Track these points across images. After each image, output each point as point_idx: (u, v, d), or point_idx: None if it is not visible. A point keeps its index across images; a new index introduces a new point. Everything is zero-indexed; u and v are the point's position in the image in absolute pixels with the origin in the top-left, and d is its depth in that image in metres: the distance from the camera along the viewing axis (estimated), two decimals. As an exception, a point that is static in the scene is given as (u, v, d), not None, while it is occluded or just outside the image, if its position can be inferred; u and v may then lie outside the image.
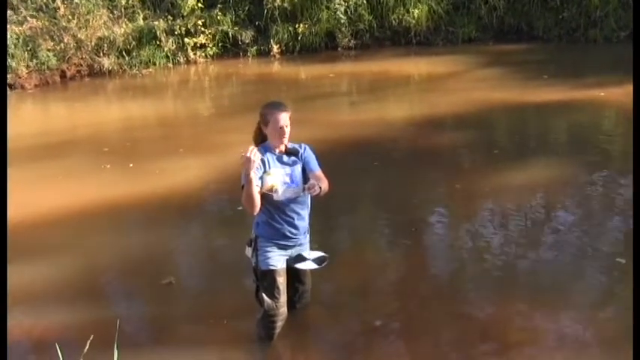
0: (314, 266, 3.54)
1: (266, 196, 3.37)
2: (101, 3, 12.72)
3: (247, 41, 13.31)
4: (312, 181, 3.32)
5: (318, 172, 3.49)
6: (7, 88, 11.26)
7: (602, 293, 4.11)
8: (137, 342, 3.78)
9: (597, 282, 4.27)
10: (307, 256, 3.55)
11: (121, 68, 12.50)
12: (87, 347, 2.60)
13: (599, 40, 12.56)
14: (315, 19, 13.23)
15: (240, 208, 3.26)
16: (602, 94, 8.59)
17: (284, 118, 3.39)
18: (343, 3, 13.06)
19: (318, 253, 3.58)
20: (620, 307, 3.81)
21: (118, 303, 4.43)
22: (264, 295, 3.46)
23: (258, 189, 3.31)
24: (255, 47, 13.35)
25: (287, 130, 3.41)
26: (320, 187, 3.29)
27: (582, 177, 5.99)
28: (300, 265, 3.54)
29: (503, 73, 10.65)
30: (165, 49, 12.85)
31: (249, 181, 3.19)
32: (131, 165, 6.96)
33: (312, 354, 3.76)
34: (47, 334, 3.81)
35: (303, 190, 3.36)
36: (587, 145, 6.97)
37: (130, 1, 13.03)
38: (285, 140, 3.44)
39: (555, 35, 12.99)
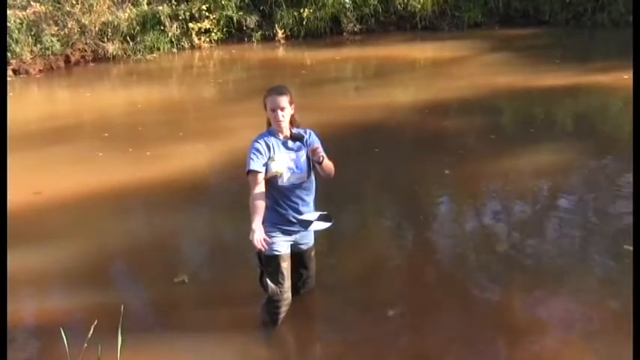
0: (326, 225, 3.41)
1: (271, 182, 3.35)
2: (105, -13, 12.68)
3: (252, 26, 13.26)
4: (317, 145, 3.31)
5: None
6: (13, 74, 11.28)
7: (609, 280, 4.08)
8: (141, 327, 3.78)
9: (605, 269, 4.24)
10: (312, 218, 3.44)
11: (125, 53, 12.47)
12: (91, 332, 2.60)
13: (606, 24, 12.44)
14: (320, 3, 13.16)
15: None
16: (626, 77, 8.39)
17: (277, 101, 3.34)
18: (348, -13, 12.99)
19: (319, 213, 3.47)
20: (628, 294, 3.79)
21: (123, 288, 4.43)
22: (268, 280, 3.45)
23: (263, 176, 3.31)
24: (259, 32, 13.30)
25: (282, 114, 3.35)
26: (323, 156, 3.27)
27: (589, 162, 5.95)
28: (312, 228, 3.44)
29: (509, 57, 10.58)
30: (170, 34, 12.81)
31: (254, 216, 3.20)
32: (130, 150, 6.96)
33: (316, 339, 3.77)
34: (52, 319, 3.82)
35: (308, 152, 3.33)
36: (593, 130, 6.93)
37: (134, -14, 12.98)
38: (284, 124, 3.39)
39: (562, 19, 12.88)
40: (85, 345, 2.58)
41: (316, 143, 3.46)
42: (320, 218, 3.44)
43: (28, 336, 3.88)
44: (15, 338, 3.73)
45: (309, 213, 3.50)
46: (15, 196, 5.33)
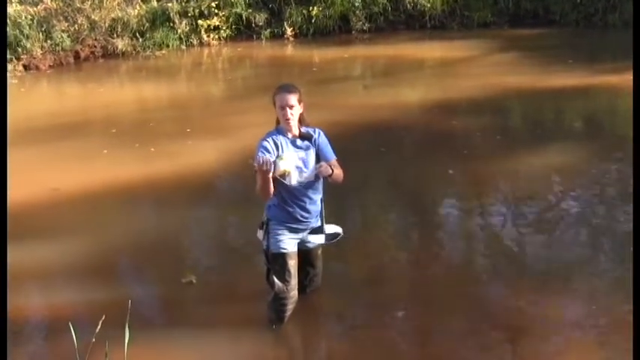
0: (322, 240, 3.63)
1: (278, 180, 3.36)
2: (115, -16, 12.70)
3: (261, 24, 13.23)
4: (323, 162, 3.32)
5: (333, 160, 3.47)
6: (24, 69, 11.34)
7: (615, 282, 4.07)
8: (149, 323, 3.81)
9: (611, 271, 4.23)
10: (325, 231, 3.62)
11: (135, 50, 12.49)
12: (99, 327, 2.61)
13: (618, 24, 12.34)
14: (329, 1, 13.11)
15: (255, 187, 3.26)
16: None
17: (286, 99, 3.35)
18: (358, -14, 12.94)
19: (336, 229, 3.66)
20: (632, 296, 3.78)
21: (130, 284, 4.46)
22: (274, 278, 3.47)
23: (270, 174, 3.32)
24: (268, 30, 13.27)
25: (290, 112, 3.36)
26: (332, 170, 3.28)
27: (597, 163, 5.92)
28: (312, 238, 3.59)
29: (518, 57, 10.52)
30: (179, 30, 12.81)
31: (263, 174, 3.20)
32: (137, 146, 6.98)
33: (322, 337, 3.78)
34: (60, 313, 3.85)
35: (315, 169, 3.35)
36: (602, 131, 6.89)
37: (144, -17, 12.99)
38: (292, 122, 3.39)
39: (573, 20, 12.78)
40: (93, 340, 2.59)
41: (324, 148, 3.48)
42: (329, 236, 3.64)
43: (37, 330, 3.92)
44: (24, 332, 3.77)
45: (328, 225, 3.65)
46: (26, 191, 5.38)
